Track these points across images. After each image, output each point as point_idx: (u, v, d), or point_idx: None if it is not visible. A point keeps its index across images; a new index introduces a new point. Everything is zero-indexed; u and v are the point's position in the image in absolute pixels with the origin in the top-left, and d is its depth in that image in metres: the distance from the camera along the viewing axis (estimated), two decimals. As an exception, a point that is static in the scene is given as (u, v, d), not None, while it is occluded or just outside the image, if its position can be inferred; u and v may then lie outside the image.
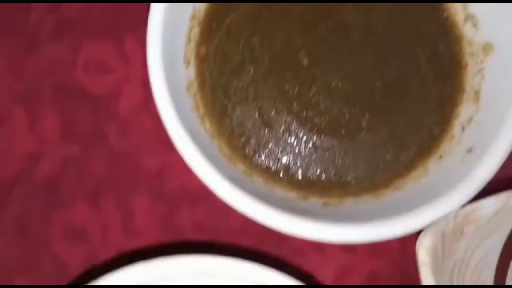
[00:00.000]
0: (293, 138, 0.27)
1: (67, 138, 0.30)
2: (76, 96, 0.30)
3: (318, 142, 0.27)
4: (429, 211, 0.23)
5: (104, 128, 0.30)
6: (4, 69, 0.30)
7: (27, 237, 0.29)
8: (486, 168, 0.24)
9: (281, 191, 0.26)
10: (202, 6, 0.27)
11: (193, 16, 0.26)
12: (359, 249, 0.29)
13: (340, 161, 0.27)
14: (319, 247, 0.29)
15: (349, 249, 0.29)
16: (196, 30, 0.26)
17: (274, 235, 0.25)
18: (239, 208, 0.23)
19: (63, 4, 0.30)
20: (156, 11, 0.24)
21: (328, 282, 0.28)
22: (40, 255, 0.29)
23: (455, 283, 0.23)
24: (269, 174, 0.26)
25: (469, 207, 0.23)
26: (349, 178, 0.27)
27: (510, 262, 0.25)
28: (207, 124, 0.26)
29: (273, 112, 0.27)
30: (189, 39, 0.26)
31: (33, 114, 0.30)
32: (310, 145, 0.27)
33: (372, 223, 0.23)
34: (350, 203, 0.26)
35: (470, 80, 0.27)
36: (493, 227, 0.23)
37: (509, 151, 0.24)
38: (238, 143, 0.27)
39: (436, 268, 0.22)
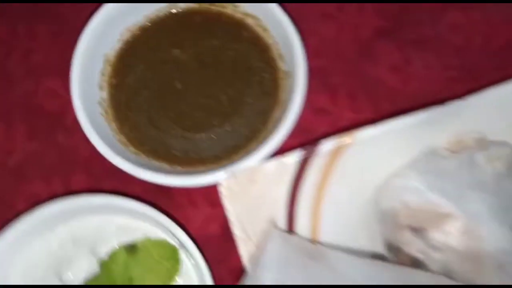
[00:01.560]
0: (171, 134, 0.43)
1: (31, 139, 0.46)
2: (37, 114, 0.46)
3: (187, 135, 0.43)
4: (230, 167, 0.38)
5: (55, 132, 0.46)
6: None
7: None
8: (272, 145, 0.39)
9: (157, 163, 0.41)
10: (112, 53, 0.43)
11: (106, 60, 0.43)
12: (218, 204, 0.43)
13: (200, 146, 0.42)
14: (192, 202, 0.44)
15: (213, 204, 0.44)
16: (108, 69, 0.43)
17: (157, 188, 0.40)
18: (129, 172, 0.38)
19: (34, 51, 0.47)
20: (78, 56, 0.41)
21: (196, 227, 0.43)
22: (9, 214, 0.43)
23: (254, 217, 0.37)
24: (152, 154, 0.42)
25: (256, 165, 0.38)
26: (204, 156, 0.42)
27: (295, 208, 0.39)
28: (113, 126, 0.42)
29: (158, 118, 0.43)
30: (103, 74, 0.43)
31: (9, 126, 0.46)
32: (182, 137, 0.43)
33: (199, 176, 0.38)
34: (201, 169, 0.41)
35: (282, 95, 0.43)
36: (277, 180, 0.38)
37: (287, 134, 0.39)
38: (134, 137, 0.42)
39: (235, 201, 0.37)
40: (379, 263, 0.35)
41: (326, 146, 0.38)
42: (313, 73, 0.45)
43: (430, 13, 0.49)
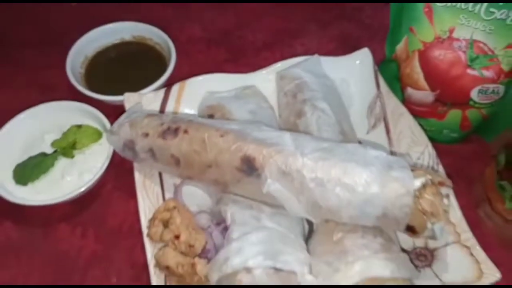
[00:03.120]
0: (112, 88, 0.88)
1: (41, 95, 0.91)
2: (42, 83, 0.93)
3: (118, 90, 0.88)
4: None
5: (55, 87, 0.92)
6: None
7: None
8: (155, 86, 0.84)
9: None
10: (89, 55, 0.93)
11: (85, 56, 0.92)
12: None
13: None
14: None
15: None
16: (86, 61, 0.92)
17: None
18: (88, 95, 0.83)
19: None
20: (71, 54, 0.89)
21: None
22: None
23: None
24: (102, 92, 0.87)
25: (144, 92, 0.82)
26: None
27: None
28: (84, 80, 0.89)
29: (105, 81, 0.89)
30: (83, 62, 0.91)
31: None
32: (115, 91, 0.88)
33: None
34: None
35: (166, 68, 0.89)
36: (155, 100, 0.82)
37: (163, 82, 0.85)
38: (93, 86, 0.88)
39: (131, 105, 0.80)
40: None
41: (176, 86, 0.83)
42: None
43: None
